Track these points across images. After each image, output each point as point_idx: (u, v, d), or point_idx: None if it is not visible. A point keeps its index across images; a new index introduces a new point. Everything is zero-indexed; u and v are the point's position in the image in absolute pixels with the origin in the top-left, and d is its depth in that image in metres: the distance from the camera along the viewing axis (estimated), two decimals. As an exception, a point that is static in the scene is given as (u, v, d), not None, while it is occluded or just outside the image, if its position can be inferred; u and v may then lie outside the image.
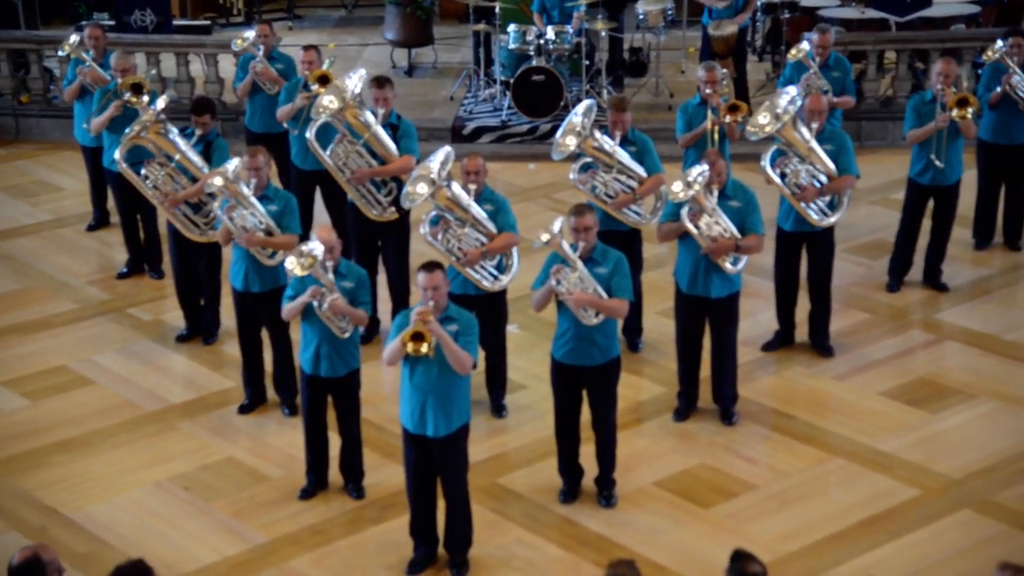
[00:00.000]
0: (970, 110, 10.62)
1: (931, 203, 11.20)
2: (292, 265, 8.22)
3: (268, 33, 12.33)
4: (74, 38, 12.28)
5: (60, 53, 12.41)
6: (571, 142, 9.70)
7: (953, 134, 10.83)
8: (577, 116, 9.72)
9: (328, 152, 10.10)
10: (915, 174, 11.13)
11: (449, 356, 7.62)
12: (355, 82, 10.00)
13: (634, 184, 9.90)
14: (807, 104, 9.95)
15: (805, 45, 11.73)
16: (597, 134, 9.80)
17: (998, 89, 11.47)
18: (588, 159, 9.88)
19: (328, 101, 9.90)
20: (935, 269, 11.40)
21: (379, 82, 10.20)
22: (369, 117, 10.07)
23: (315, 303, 8.37)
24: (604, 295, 8.28)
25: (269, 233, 9.33)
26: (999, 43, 11.55)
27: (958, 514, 8.48)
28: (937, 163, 10.84)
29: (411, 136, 10.28)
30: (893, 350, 10.47)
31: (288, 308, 8.58)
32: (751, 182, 9.87)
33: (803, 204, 9.91)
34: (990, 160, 11.85)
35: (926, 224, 11.30)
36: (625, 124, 9.89)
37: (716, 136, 10.66)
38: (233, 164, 9.29)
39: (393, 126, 10.23)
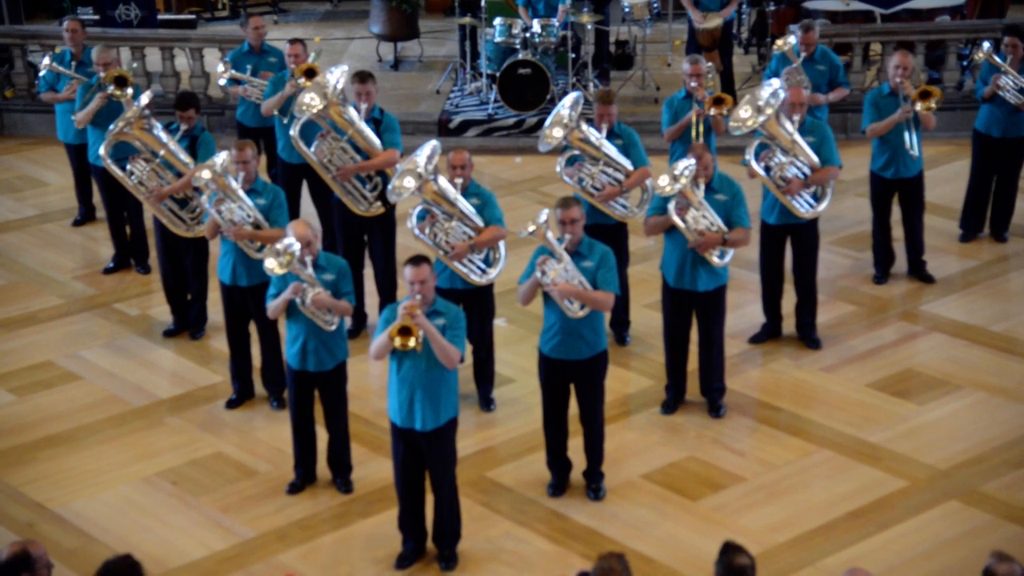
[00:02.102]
0: (933, 102, 10.63)
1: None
2: (271, 265, 8.20)
3: (260, 25, 12.36)
4: (45, 60, 12.29)
5: (44, 61, 12.36)
6: (558, 134, 9.69)
7: (916, 125, 10.84)
8: (564, 109, 9.70)
9: (312, 149, 10.07)
10: (877, 168, 11.13)
11: (436, 350, 7.60)
12: (337, 77, 9.97)
13: (620, 177, 9.89)
14: (787, 97, 9.93)
15: (792, 39, 11.73)
16: (584, 126, 9.78)
17: (989, 86, 11.53)
18: (575, 152, 9.88)
19: (310, 99, 9.86)
20: (918, 261, 11.42)
21: (361, 77, 10.17)
22: (353, 114, 10.03)
23: (298, 299, 8.36)
24: (589, 287, 8.28)
25: (257, 227, 9.31)
26: (986, 45, 11.60)
27: (945, 505, 8.49)
28: (913, 152, 10.85)
29: (394, 130, 10.26)
30: (880, 342, 10.49)
31: (272, 307, 8.56)
32: (736, 175, 9.87)
33: (789, 197, 9.92)
34: (984, 152, 11.87)
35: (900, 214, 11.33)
36: (611, 117, 9.89)
37: (701, 129, 10.65)
38: (221, 158, 9.26)
39: (376, 120, 10.21)
